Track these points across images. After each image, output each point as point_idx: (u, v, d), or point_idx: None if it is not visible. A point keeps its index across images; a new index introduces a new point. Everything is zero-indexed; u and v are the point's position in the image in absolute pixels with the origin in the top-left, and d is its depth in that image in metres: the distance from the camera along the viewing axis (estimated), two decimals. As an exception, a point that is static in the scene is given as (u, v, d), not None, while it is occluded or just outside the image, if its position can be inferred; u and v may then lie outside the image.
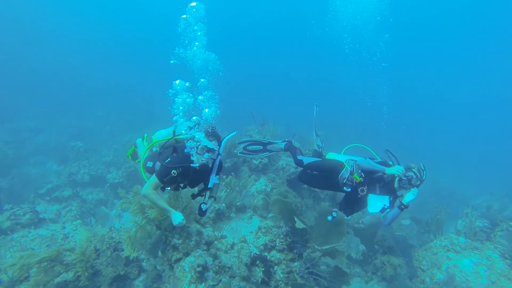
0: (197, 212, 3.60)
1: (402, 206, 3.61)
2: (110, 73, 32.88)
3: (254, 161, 7.70)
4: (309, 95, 31.69)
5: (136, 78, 31.59)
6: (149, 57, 36.49)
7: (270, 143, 4.92)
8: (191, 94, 4.39)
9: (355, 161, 4.00)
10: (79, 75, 27.64)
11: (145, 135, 4.60)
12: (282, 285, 4.36)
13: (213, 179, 3.47)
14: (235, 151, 7.65)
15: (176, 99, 4.35)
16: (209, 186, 3.51)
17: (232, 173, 7.04)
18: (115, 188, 8.71)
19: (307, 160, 4.36)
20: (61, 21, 38.37)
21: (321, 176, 4.41)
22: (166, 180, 3.19)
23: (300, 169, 4.71)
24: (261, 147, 4.90)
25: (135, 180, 8.55)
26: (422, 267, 5.89)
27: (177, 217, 3.19)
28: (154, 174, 3.24)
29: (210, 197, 3.64)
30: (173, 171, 3.14)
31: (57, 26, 38.42)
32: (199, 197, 3.70)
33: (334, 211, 4.18)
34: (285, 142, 4.77)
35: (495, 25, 29.93)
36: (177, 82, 4.40)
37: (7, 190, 8.46)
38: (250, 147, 4.96)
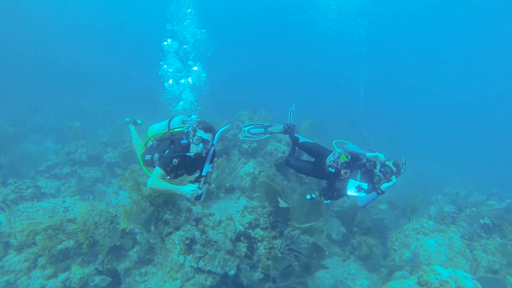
0: None
1: (379, 191, 3.85)
2: (106, 57, 32.75)
3: (244, 145, 8.06)
4: (301, 82, 31.73)
5: (132, 62, 31.47)
6: (143, 41, 36.05)
7: (270, 125, 5.24)
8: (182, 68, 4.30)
9: (343, 147, 4.31)
10: (76, 58, 27.47)
11: (139, 121, 4.97)
12: (264, 259, 4.78)
13: (207, 167, 3.75)
14: (240, 136, 7.77)
15: (164, 64, 4.27)
16: (202, 174, 3.78)
17: (223, 155, 7.41)
18: (111, 167, 9.08)
19: (302, 138, 4.67)
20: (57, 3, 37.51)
21: (309, 161, 4.68)
22: (169, 169, 3.46)
23: (287, 154, 5.03)
24: (263, 130, 5.20)
25: (131, 161, 8.86)
26: (394, 247, 6.43)
27: (187, 189, 3.39)
28: (157, 166, 3.49)
29: (205, 182, 3.89)
30: (174, 160, 3.44)
31: (56, 10, 37.64)
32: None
33: (314, 193, 4.45)
34: (283, 124, 5.08)
35: (480, 17, 29.73)
36: (168, 41, 4.27)
37: (8, 166, 8.78)
38: (253, 130, 5.25)
